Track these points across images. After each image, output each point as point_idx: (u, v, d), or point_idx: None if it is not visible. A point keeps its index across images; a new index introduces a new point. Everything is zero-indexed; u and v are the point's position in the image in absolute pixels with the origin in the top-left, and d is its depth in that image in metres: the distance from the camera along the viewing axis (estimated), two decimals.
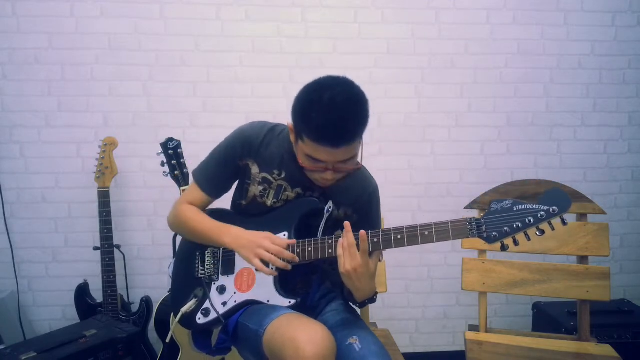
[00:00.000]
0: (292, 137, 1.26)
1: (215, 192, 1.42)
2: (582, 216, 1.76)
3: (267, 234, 1.29)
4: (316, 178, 1.27)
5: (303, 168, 1.28)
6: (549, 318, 2.22)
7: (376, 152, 2.42)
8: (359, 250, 1.16)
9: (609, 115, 2.51)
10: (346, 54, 2.37)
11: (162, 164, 2.07)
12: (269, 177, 1.36)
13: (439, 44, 2.41)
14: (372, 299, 1.26)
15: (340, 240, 1.19)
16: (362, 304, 1.26)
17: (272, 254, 1.23)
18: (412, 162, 2.46)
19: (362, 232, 1.15)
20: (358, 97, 1.18)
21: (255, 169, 1.37)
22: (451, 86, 2.44)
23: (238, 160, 1.38)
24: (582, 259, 1.74)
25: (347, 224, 1.18)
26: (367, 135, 2.53)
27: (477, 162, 2.48)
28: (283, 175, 1.35)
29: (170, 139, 2.06)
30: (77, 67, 2.28)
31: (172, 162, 2.04)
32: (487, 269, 1.76)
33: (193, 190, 1.42)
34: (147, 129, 2.33)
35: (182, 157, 2.06)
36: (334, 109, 1.14)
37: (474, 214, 1.81)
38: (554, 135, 2.50)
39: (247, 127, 1.39)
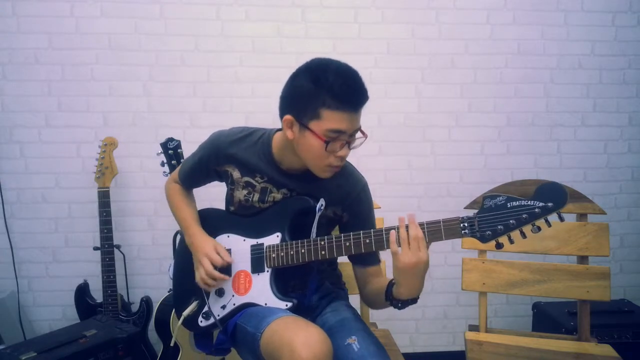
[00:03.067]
0: (291, 132, 1.23)
1: (188, 185, 1.53)
2: (582, 216, 1.76)
3: (207, 250, 1.33)
4: (330, 162, 1.23)
5: (289, 174, 1.32)
6: (549, 318, 2.22)
7: (376, 152, 2.42)
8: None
9: (609, 115, 2.51)
10: (346, 54, 2.37)
11: (162, 164, 2.07)
12: (252, 181, 1.36)
13: (439, 44, 2.41)
14: (415, 299, 1.19)
15: (393, 232, 1.13)
16: (405, 304, 1.19)
17: (206, 273, 1.31)
18: (412, 162, 2.46)
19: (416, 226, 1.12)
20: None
21: (236, 174, 1.37)
22: (451, 86, 2.44)
23: (214, 166, 1.40)
24: (582, 259, 1.73)
25: (411, 214, 1.14)
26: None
27: (477, 162, 2.48)
28: (266, 179, 1.35)
29: (170, 139, 2.06)
30: (77, 67, 2.28)
31: (172, 162, 2.05)
32: (487, 269, 1.76)
33: (177, 173, 1.53)
34: (147, 129, 2.33)
35: (182, 157, 2.06)
36: (346, 72, 1.18)
37: None
38: (554, 135, 2.50)
39: (222, 133, 1.39)
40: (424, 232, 1.12)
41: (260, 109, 2.34)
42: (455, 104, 2.45)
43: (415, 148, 2.45)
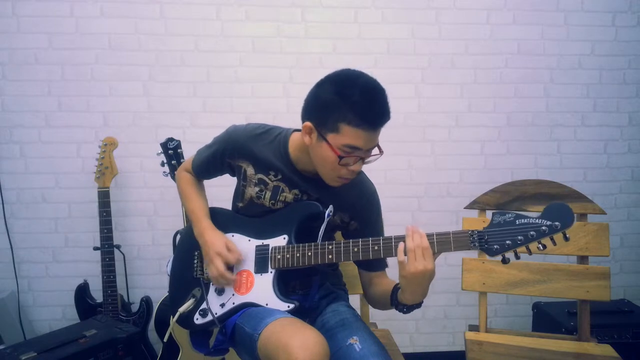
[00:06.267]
0: (309, 139, 1.24)
1: (200, 176, 1.53)
2: (582, 216, 1.76)
3: (219, 248, 1.32)
4: (341, 174, 1.25)
5: (303, 175, 1.33)
6: (549, 318, 2.22)
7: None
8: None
9: (609, 115, 2.51)
10: (346, 54, 2.37)
11: (162, 164, 2.08)
12: (265, 179, 1.36)
13: (439, 44, 2.41)
14: (420, 304, 1.23)
15: (401, 244, 1.15)
16: (410, 309, 1.22)
17: (218, 273, 1.30)
18: (412, 162, 2.46)
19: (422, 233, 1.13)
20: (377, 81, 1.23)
21: (250, 170, 1.37)
22: (451, 86, 2.44)
23: (228, 159, 1.40)
24: (582, 259, 1.73)
25: (414, 226, 1.15)
26: None
27: (477, 162, 2.48)
28: (280, 177, 1.35)
29: (170, 139, 2.06)
30: (77, 67, 2.28)
31: (172, 162, 2.05)
32: (487, 269, 1.76)
33: (190, 162, 1.52)
34: (147, 129, 2.33)
35: (182, 157, 2.06)
36: (373, 91, 1.18)
37: (474, 214, 1.81)
38: (554, 135, 2.50)
39: (239, 128, 1.40)
40: (433, 242, 1.14)
41: (260, 109, 2.34)
42: (455, 104, 2.45)
43: (415, 148, 2.45)
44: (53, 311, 2.37)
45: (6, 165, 2.29)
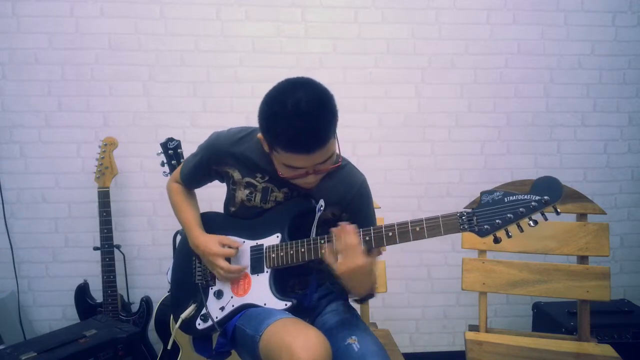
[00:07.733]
0: (266, 147, 1.25)
1: (189, 185, 1.52)
2: (582, 216, 1.76)
3: (215, 249, 1.33)
4: (299, 183, 1.27)
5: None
6: (549, 318, 2.22)
7: (376, 152, 2.42)
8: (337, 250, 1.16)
9: (609, 115, 2.51)
10: (346, 54, 2.37)
11: (162, 164, 2.07)
12: (253, 181, 1.36)
13: (439, 44, 2.41)
14: (371, 295, 1.24)
15: (326, 247, 1.19)
16: (362, 300, 1.26)
17: (225, 271, 1.31)
18: (412, 162, 2.46)
19: (350, 226, 1.15)
20: (321, 98, 1.16)
21: (237, 175, 1.37)
22: (451, 86, 2.44)
23: (214, 166, 1.40)
24: (582, 259, 1.73)
25: (343, 224, 1.17)
26: (367, 135, 2.54)
27: (477, 162, 2.48)
28: (267, 178, 1.35)
29: (170, 139, 2.06)
30: (77, 67, 2.28)
31: (172, 162, 2.05)
32: (487, 269, 1.76)
33: (179, 173, 1.52)
34: (147, 129, 2.33)
35: (182, 157, 2.06)
36: (300, 117, 1.12)
37: None
38: (554, 135, 2.50)
39: (221, 135, 1.39)
40: (423, 228, 1.14)
41: None
42: (455, 104, 2.45)
43: (415, 148, 2.45)
44: (53, 311, 2.37)
45: (6, 165, 2.29)
